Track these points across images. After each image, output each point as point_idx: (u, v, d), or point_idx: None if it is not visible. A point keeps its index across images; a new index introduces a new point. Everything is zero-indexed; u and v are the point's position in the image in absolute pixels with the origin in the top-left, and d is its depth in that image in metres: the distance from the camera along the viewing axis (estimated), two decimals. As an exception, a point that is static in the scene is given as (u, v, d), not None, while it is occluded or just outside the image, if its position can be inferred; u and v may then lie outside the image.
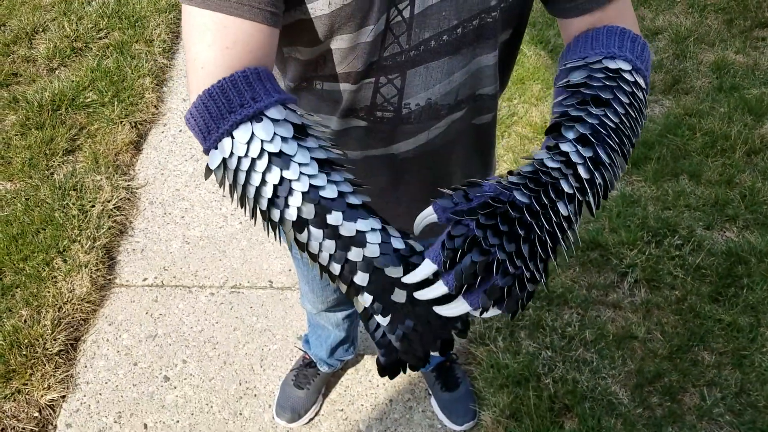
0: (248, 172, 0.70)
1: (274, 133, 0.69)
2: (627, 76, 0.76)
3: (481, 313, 0.69)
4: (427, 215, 0.73)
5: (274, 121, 0.70)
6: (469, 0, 0.82)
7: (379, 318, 0.71)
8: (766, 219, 2.29)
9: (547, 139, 0.75)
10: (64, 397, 1.91)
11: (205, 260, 2.29)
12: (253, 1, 0.73)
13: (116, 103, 2.82)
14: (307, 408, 1.86)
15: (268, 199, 0.69)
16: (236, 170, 0.70)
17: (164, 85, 3.05)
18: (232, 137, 0.70)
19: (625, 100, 0.75)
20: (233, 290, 2.19)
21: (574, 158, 0.71)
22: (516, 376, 1.89)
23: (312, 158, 0.70)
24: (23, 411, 1.86)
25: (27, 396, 1.89)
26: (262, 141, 0.69)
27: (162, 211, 2.46)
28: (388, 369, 0.74)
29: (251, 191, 0.70)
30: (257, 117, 0.70)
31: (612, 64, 0.77)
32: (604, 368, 1.91)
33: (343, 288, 0.72)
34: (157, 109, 2.90)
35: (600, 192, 0.73)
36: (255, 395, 1.92)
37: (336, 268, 0.70)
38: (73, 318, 2.07)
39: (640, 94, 0.77)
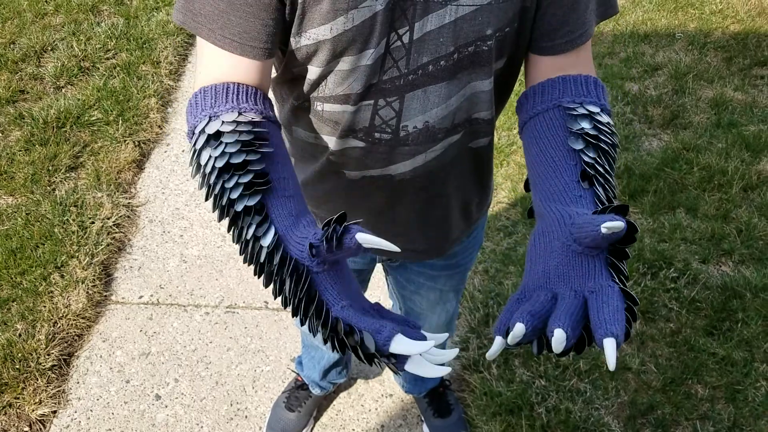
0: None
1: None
2: (607, 121, 0.84)
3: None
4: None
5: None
6: (466, 28, 0.84)
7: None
8: (761, 254, 2.30)
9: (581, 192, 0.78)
10: (55, 412, 1.91)
11: (202, 279, 2.29)
12: (246, 39, 0.82)
13: (121, 122, 2.86)
14: (298, 431, 1.85)
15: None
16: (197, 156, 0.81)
17: (169, 106, 3.09)
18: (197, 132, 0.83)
19: (612, 154, 0.82)
20: (228, 310, 2.19)
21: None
22: (509, 404, 1.88)
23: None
24: (14, 425, 1.85)
25: (18, 410, 1.88)
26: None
27: (161, 230, 2.48)
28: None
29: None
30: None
31: (601, 117, 0.83)
32: (597, 399, 1.91)
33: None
34: (161, 129, 2.94)
35: None
36: (246, 417, 1.91)
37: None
38: (67, 333, 2.08)
39: (616, 140, 0.84)
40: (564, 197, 0.75)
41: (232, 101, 0.81)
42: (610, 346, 0.61)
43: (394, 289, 1.50)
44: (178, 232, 2.47)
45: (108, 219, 2.42)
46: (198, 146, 0.79)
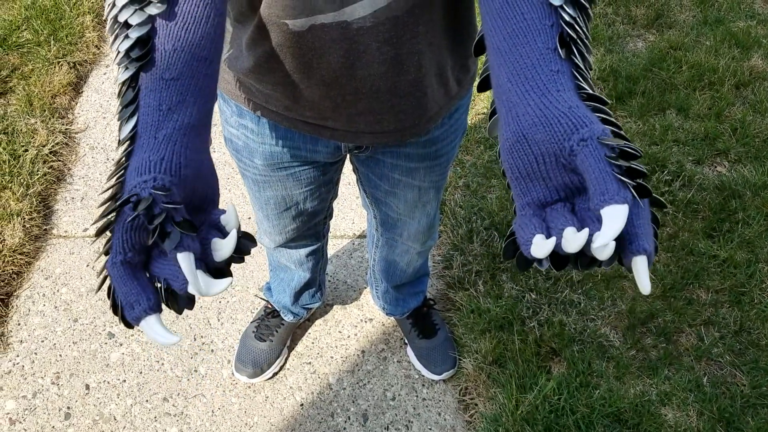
0: None
1: None
2: None
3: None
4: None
5: None
6: None
7: None
8: (758, 152, 2.16)
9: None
10: (-7, 358, 1.70)
11: (155, 208, 2.07)
12: None
13: (53, 42, 2.55)
14: (270, 362, 1.67)
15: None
16: None
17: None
18: None
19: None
20: (186, 239, 1.98)
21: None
22: (498, 320, 1.73)
23: None
24: (-55, 374, 1.64)
25: (-50, 358, 1.66)
26: None
27: (104, 157, 2.22)
28: None
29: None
30: None
31: None
32: (592, 309, 1.76)
33: None
34: (99, 49, 2.64)
35: None
36: (212, 351, 1.73)
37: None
38: (3, 271, 1.84)
39: None
40: (539, 73, 0.58)
41: None
42: (642, 264, 0.51)
43: (366, 192, 1.29)
44: (125, 159, 2.22)
45: (43, 146, 2.16)
46: None
